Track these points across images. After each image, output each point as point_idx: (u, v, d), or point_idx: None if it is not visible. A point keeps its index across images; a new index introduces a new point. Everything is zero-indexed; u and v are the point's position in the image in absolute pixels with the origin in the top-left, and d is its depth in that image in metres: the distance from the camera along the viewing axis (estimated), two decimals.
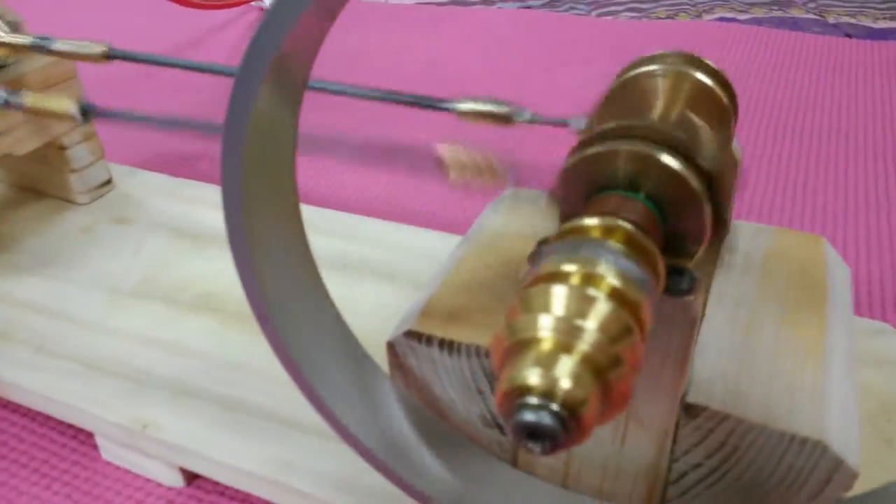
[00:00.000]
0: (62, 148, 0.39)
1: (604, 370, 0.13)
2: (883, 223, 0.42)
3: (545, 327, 0.14)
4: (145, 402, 0.28)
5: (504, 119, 0.25)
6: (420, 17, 0.79)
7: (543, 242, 0.18)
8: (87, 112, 0.26)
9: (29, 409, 0.31)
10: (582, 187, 0.19)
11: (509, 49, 0.69)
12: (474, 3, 0.84)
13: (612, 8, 0.79)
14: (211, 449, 0.26)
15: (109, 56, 0.31)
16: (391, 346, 0.22)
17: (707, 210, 0.17)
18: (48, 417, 0.31)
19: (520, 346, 0.14)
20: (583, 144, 0.19)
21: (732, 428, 0.19)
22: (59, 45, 0.31)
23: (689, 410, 0.19)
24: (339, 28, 0.80)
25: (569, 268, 0.15)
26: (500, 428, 0.22)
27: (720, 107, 0.21)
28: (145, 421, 0.27)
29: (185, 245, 0.37)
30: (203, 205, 0.40)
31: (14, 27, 0.34)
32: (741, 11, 0.75)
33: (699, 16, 0.75)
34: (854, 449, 0.18)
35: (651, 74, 0.22)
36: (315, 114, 0.53)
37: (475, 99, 0.25)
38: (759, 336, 0.21)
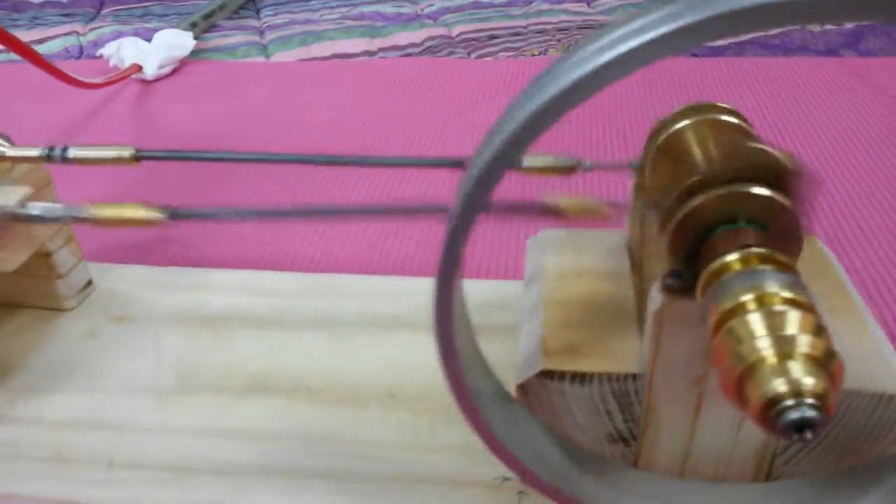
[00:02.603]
0: (48, 255, 0.37)
1: (823, 360, 0.17)
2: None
3: (763, 347, 0.18)
4: (251, 491, 0.28)
5: (568, 170, 0.29)
6: (308, 73, 0.81)
7: (672, 276, 0.22)
8: (176, 214, 0.26)
9: None
10: (692, 230, 0.23)
11: (414, 96, 0.73)
12: (355, 56, 0.87)
13: (489, 49, 0.85)
14: None
15: (138, 157, 0.31)
16: (523, 388, 0.25)
17: (804, 226, 0.22)
18: None
19: (750, 369, 0.18)
20: (689, 192, 0.23)
21: None
22: (80, 153, 0.31)
23: None
24: (225, 92, 0.82)
25: (745, 297, 0.19)
26: (625, 441, 0.26)
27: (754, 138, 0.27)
28: None
29: (205, 333, 0.37)
30: (200, 290, 0.40)
31: (6, 139, 0.33)
32: None
33: (567, 49, 0.83)
34: None
35: (697, 123, 0.26)
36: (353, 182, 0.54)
37: (540, 155, 0.29)
38: None
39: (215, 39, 0.92)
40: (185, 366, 0.35)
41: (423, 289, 0.39)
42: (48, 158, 0.31)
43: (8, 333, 0.37)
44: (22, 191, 0.28)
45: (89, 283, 0.40)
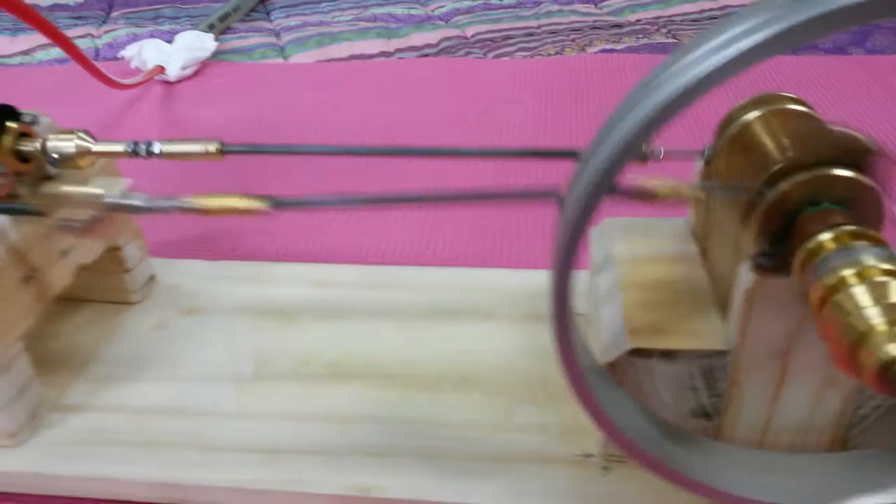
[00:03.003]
0: (117, 249, 0.38)
1: None
2: None
3: (872, 317, 0.19)
4: (343, 471, 0.29)
5: (642, 159, 0.30)
6: (329, 74, 0.82)
7: (762, 256, 0.24)
8: (279, 204, 0.27)
9: None
10: (780, 213, 0.24)
11: (437, 95, 0.74)
12: (372, 57, 0.88)
13: (505, 49, 0.87)
14: (445, 494, 0.28)
15: (223, 152, 0.32)
16: (612, 366, 0.26)
17: (886, 204, 0.24)
18: None
19: (862, 339, 0.19)
20: (774, 178, 0.24)
21: None
22: (166, 148, 0.32)
23: None
24: (249, 93, 0.82)
25: (846, 272, 0.21)
26: (708, 416, 0.27)
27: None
28: (365, 487, 0.28)
29: (274, 323, 0.38)
30: (261, 283, 0.41)
31: (89, 134, 0.33)
32: (615, 42, 0.86)
33: (583, 49, 0.85)
34: None
35: (767, 113, 0.28)
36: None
37: None
38: None
39: (233, 41, 0.92)
40: (259, 355, 0.36)
41: (479, 279, 0.40)
42: (133, 153, 0.32)
43: (79, 326, 0.38)
44: (122, 181, 0.29)
45: (152, 277, 0.41)
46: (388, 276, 0.41)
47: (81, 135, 0.32)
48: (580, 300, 0.38)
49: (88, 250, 0.35)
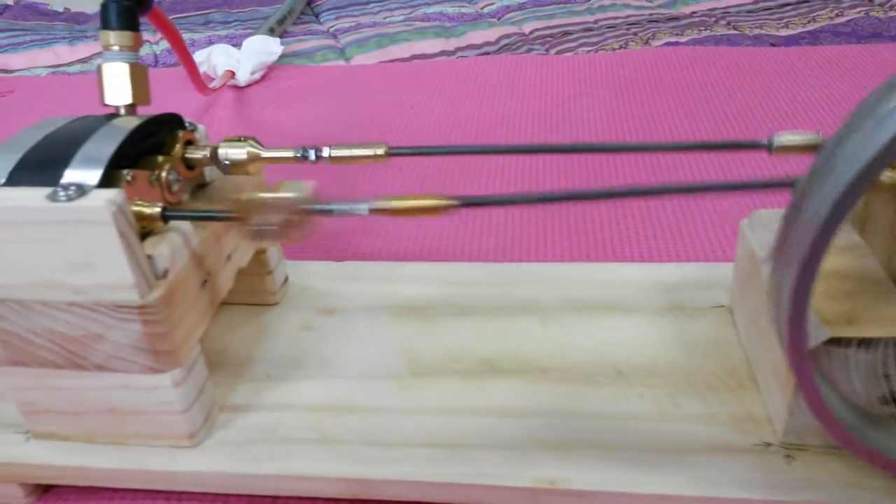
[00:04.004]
0: (262, 252, 0.39)
1: None
2: None
3: None
4: (531, 464, 0.30)
5: (814, 148, 0.30)
6: (396, 74, 0.83)
7: None
8: (469, 202, 0.28)
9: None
10: None
11: (508, 92, 0.75)
12: (433, 56, 0.89)
13: (567, 45, 0.87)
14: (639, 486, 0.28)
15: (390, 154, 0.32)
16: (811, 354, 0.27)
17: None
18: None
19: None
20: None
21: None
22: (336, 152, 0.32)
23: None
24: (320, 95, 0.82)
25: None
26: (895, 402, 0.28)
27: None
28: (550, 479, 0.29)
29: (415, 321, 0.38)
30: (392, 282, 0.42)
31: (256, 141, 0.34)
32: (679, 35, 0.87)
33: (647, 42, 0.85)
34: None
35: None
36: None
37: (789, 133, 0.30)
38: None
39: (293, 44, 0.93)
40: (410, 353, 0.36)
41: (607, 273, 0.41)
42: (302, 158, 0.33)
43: (227, 328, 0.39)
44: (309, 185, 0.29)
45: (286, 278, 0.42)
46: (516, 274, 0.41)
47: (251, 142, 0.33)
48: (719, 292, 0.39)
49: (244, 254, 0.36)
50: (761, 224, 0.34)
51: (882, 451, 0.26)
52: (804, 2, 0.96)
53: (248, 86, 0.81)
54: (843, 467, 0.28)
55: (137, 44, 0.33)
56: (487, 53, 0.88)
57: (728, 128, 0.64)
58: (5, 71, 0.97)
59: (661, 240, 0.49)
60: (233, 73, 0.79)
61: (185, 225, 0.30)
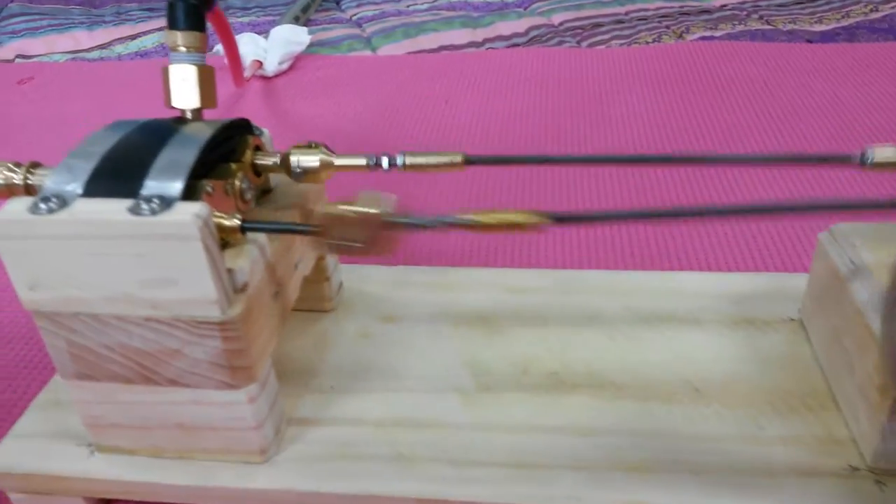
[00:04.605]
0: (322, 258, 0.38)
1: None
2: None
3: None
4: (612, 487, 0.29)
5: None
6: (425, 66, 0.81)
7: None
8: (560, 218, 0.27)
9: None
10: None
11: (542, 86, 0.73)
12: (462, 47, 0.87)
13: (599, 38, 0.85)
14: None
15: (468, 162, 0.31)
16: None
17: None
18: None
19: None
20: None
21: None
22: (411, 160, 0.31)
23: None
24: (350, 86, 0.80)
25: None
26: None
27: None
28: (631, 502, 0.28)
29: (479, 330, 0.37)
30: (450, 288, 0.41)
31: (328, 148, 0.33)
32: (712, 29, 0.85)
33: (681, 36, 0.84)
34: None
35: None
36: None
37: (888, 148, 0.29)
38: None
39: (318, 33, 0.91)
40: (474, 364, 0.35)
41: (673, 282, 0.40)
42: (375, 166, 0.32)
43: (286, 337, 0.38)
44: (391, 198, 0.28)
45: (341, 284, 0.41)
46: (579, 281, 0.40)
47: (323, 149, 0.31)
48: (789, 304, 0.38)
49: (309, 261, 0.35)
50: (843, 238, 0.33)
51: None
52: None
53: (276, 76, 0.80)
54: None
55: (204, 45, 0.31)
56: (517, 45, 0.87)
57: (775, 128, 0.63)
58: (24, 56, 0.95)
59: (727, 248, 0.48)
60: (260, 63, 0.78)
61: (261, 236, 0.29)
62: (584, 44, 0.85)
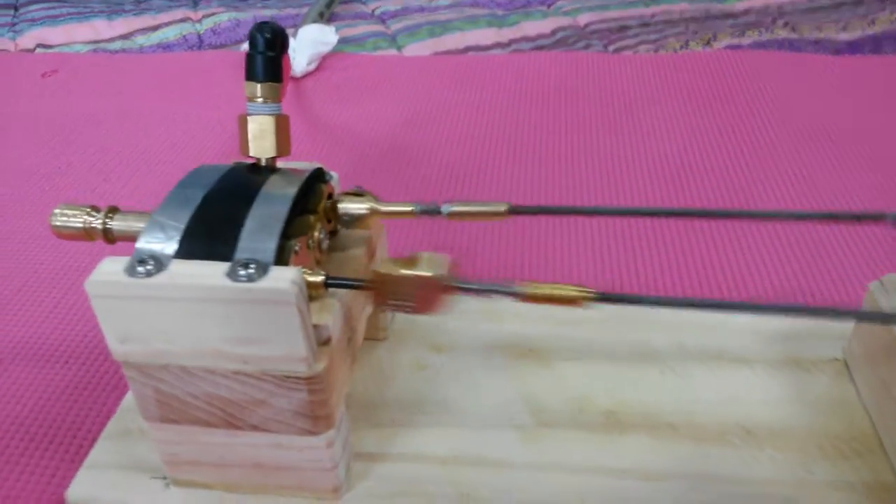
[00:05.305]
0: None
1: None
2: None
3: None
4: None
5: None
6: (452, 68, 0.81)
7: None
8: (605, 298, 0.28)
9: None
10: None
11: (572, 93, 0.74)
12: (488, 48, 0.87)
13: (626, 42, 0.85)
14: None
15: (513, 212, 0.32)
16: None
17: None
18: None
19: None
20: None
21: None
22: (456, 209, 0.32)
23: None
24: (378, 89, 0.80)
25: None
26: None
27: None
28: None
29: (533, 364, 0.39)
30: (497, 317, 0.42)
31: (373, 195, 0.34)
32: (740, 36, 0.85)
33: (708, 43, 0.84)
34: None
35: None
36: None
37: None
38: None
39: (342, 30, 0.91)
40: (530, 400, 0.37)
41: (721, 317, 0.41)
42: (422, 213, 0.32)
43: None
44: (446, 259, 0.29)
45: (394, 313, 0.42)
46: (627, 313, 0.41)
47: (370, 196, 0.32)
48: (833, 342, 0.39)
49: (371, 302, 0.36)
50: (893, 288, 0.34)
51: None
52: (860, 2, 0.95)
53: (304, 77, 0.80)
54: None
55: (280, 94, 0.32)
56: (543, 47, 0.87)
57: (810, 146, 0.64)
58: (44, 46, 0.94)
59: (770, 285, 0.49)
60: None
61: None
62: (611, 48, 0.85)
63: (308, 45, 0.80)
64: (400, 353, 0.40)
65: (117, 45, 0.95)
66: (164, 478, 0.33)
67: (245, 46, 0.82)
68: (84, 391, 0.43)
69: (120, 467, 0.34)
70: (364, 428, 0.35)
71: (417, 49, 0.87)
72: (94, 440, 0.37)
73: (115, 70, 0.86)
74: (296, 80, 0.79)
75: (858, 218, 0.33)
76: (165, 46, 0.93)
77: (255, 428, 0.30)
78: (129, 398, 0.38)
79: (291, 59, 0.79)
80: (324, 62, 0.83)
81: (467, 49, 0.87)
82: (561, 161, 0.63)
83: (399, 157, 0.65)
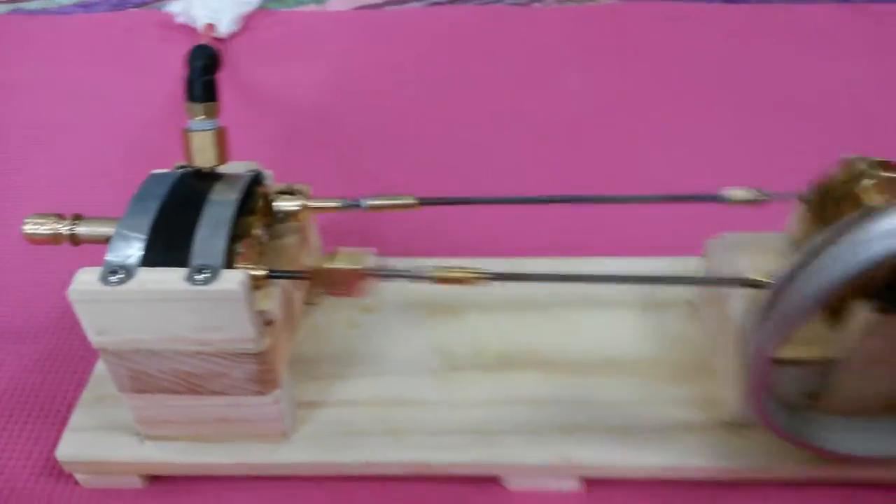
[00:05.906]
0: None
1: None
2: None
3: None
4: (550, 444, 0.39)
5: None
6: (377, 24, 0.85)
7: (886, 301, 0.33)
8: (499, 276, 0.35)
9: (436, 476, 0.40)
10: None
11: (487, 49, 0.79)
12: (407, 1, 0.91)
13: None
14: (630, 460, 0.38)
15: (421, 203, 0.39)
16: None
17: None
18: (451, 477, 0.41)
19: None
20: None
21: None
22: (372, 202, 0.39)
23: None
24: (310, 48, 0.84)
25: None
26: (814, 398, 0.38)
27: None
28: (565, 455, 0.39)
29: (444, 318, 0.46)
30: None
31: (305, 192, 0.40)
32: None
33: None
34: None
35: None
36: None
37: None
38: None
39: None
40: (441, 349, 0.45)
41: (596, 268, 0.49)
42: (345, 208, 0.39)
43: None
44: (371, 253, 0.36)
45: None
46: (520, 268, 0.49)
47: (302, 194, 0.39)
48: (689, 290, 0.48)
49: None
50: (725, 245, 0.42)
51: (796, 434, 0.36)
52: None
53: (230, 38, 0.82)
54: (777, 443, 0.39)
55: (218, 111, 0.37)
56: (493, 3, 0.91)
57: (709, 96, 0.72)
58: None
59: (636, 233, 0.57)
60: (213, 26, 0.80)
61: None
62: None
63: (232, 4, 0.82)
64: (335, 315, 0.47)
65: (36, 5, 0.94)
66: (138, 434, 0.40)
67: (170, 7, 0.84)
68: (56, 362, 0.49)
69: (99, 428, 0.41)
70: (306, 381, 0.43)
71: (339, 5, 0.90)
72: (70, 406, 0.43)
73: (36, 34, 0.86)
74: (221, 40, 0.82)
75: (693, 199, 0.41)
76: (85, 6, 0.94)
77: (214, 393, 0.37)
78: (99, 366, 0.44)
79: (216, 20, 0.81)
80: (248, 21, 0.85)
81: (386, 3, 0.90)
82: (474, 127, 0.70)
83: (326, 122, 0.70)
